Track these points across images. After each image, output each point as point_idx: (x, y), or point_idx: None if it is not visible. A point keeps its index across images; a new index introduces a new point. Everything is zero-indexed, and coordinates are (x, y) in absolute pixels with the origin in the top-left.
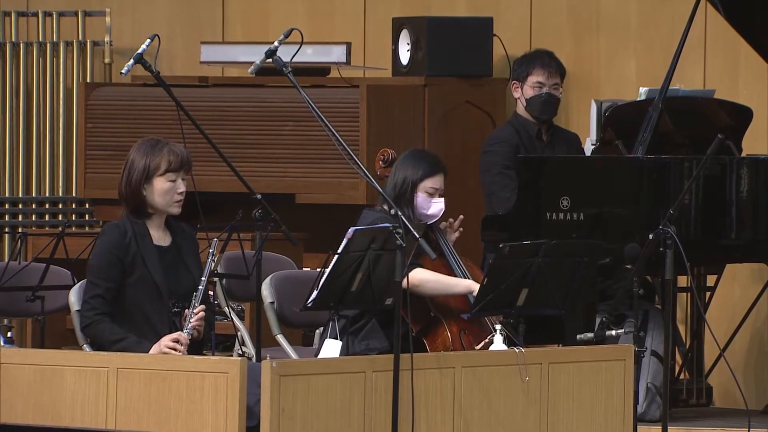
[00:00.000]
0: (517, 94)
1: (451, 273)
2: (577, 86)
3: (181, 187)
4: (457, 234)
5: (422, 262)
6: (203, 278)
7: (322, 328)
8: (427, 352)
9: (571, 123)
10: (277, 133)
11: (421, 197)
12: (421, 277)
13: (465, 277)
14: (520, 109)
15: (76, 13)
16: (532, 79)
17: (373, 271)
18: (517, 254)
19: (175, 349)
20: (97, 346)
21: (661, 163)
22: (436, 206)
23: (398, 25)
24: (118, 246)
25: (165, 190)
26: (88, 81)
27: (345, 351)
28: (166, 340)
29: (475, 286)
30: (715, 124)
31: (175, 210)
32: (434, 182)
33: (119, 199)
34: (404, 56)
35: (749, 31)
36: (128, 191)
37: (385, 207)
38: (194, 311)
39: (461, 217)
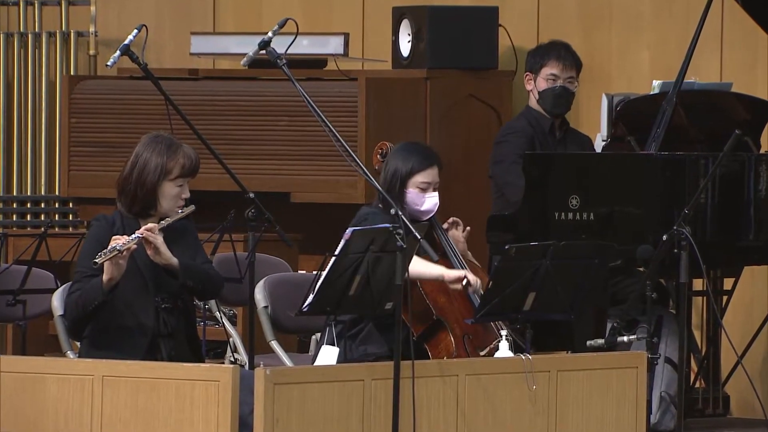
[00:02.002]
0: (529, 87)
1: None
2: (587, 79)
3: (186, 192)
4: (463, 236)
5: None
6: (163, 221)
7: (319, 334)
8: (428, 358)
9: (581, 118)
10: (272, 129)
11: (412, 193)
12: None
13: None
14: (533, 102)
15: (59, 2)
16: (546, 71)
17: (372, 273)
18: (523, 256)
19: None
20: (79, 323)
21: (675, 161)
22: (430, 201)
23: (399, 14)
24: (105, 236)
25: (172, 195)
26: (71, 74)
27: (342, 356)
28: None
29: (445, 273)
30: (733, 119)
31: (173, 213)
32: (426, 176)
33: (118, 194)
34: (405, 47)
35: None
36: (140, 191)
37: (381, 206)
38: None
39: (468, 228)
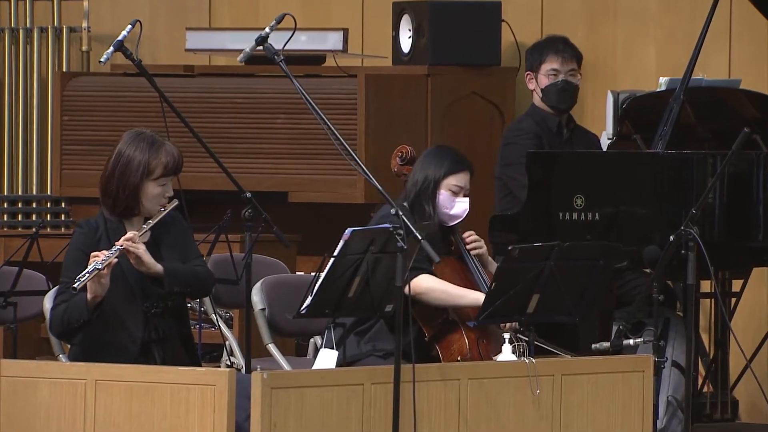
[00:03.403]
0: (531, 86)
1: (470, 278)
2: (592, 76)
3: (169, 191)
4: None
5: (434, 268)
6: (145, 225)
7: (317, 337)
8: (439, 359)
9: (586, 115)
10: (269, 127)
11: (444, 195)
12: (427, 284)
13: (484, 284)
14: (537, 100)
15: None
16: (546, 67)
17: (371, 275)
18: (527, 257)
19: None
20: (65, 336)
21: (682, 159)
22: (460, 206)
23: (399, 9)
24: (87, 243)
25: (155, 195)
26: (64, 70)
27: (344, 354)
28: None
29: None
30: (741, 116)
31: (155, 213)
32: (458, 180)
33: (101, 194)
34: (405, 43)
35: None
36: (122, 192)
37: (405, 204)
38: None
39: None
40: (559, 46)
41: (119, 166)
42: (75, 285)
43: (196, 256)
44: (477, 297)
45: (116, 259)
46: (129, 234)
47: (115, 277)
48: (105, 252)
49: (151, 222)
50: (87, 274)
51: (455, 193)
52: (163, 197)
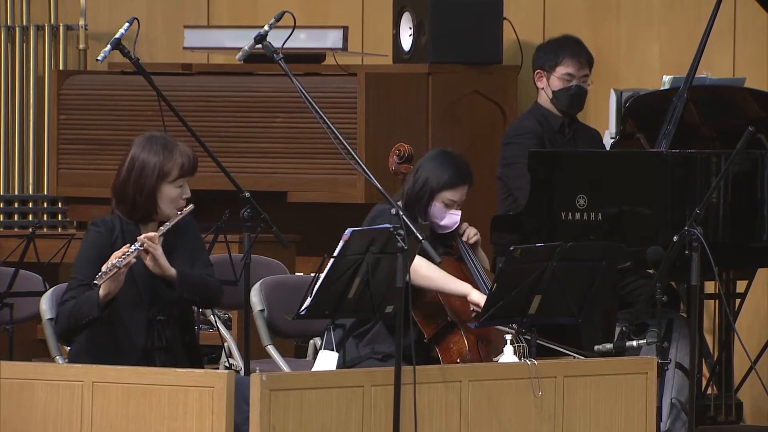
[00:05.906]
0: (541, 84)
1: (470, 279)
2: (595, 74)
3: (187, 192)
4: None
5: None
6: (162, 227)
7: (317, 339)
8: (439, 361)
9: (589, 114)
10: (268, 126)
11: (437, 207)
12: (416, 262)
13: (484, 284)
14: (543, 99)
15: None
16: (561, 70)
17: (372, 276)
18: (529, 258)
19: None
20: (69, 333)
21: (686, 158)
22: (451, 219)
23: (400, 7)
24: (102, 244)
25: (173, 197)
26: (60, 69)
27: (342, 358)
28: (141, 238)
29: (471, 292)
30: (746, 115)
31: (172, 216)
32: (455, 194)
33: (115, 201)
34: (406, 41)
35: None
36: (140, 196)
37: (400, 203)
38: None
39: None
40: (575, 49)
41: (134, 171)
42: (96, 282)
43: (207, 266)
44: (464, 288)
45: (135, 259)
46: (150, 234)
47: (125, 281)
48: (124, 248)
49: (169, 224)
50: (108, 272)
51: (448, 206)
52: (181, 199)
